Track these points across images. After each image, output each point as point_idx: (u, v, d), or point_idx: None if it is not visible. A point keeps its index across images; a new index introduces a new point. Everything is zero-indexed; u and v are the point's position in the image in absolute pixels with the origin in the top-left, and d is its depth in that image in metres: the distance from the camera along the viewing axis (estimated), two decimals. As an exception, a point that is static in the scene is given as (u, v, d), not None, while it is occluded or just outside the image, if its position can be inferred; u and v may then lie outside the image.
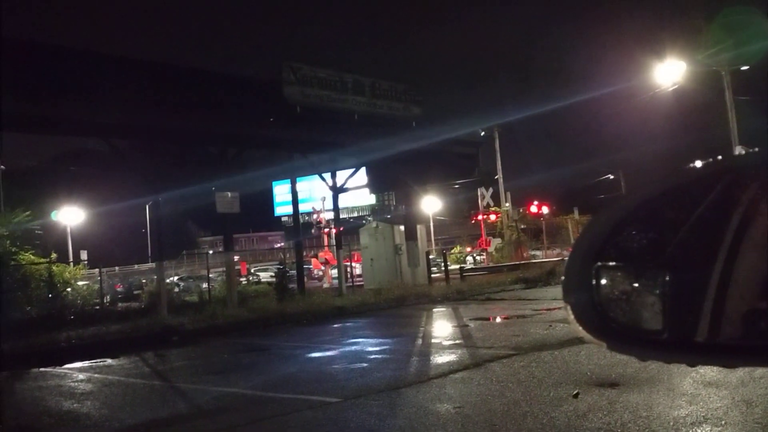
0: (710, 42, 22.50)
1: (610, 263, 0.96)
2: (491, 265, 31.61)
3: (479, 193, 36.05)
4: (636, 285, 0.94)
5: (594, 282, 0.95)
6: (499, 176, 35.32)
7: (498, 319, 15.02)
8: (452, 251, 41.79)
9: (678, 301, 0.90)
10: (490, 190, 35.37)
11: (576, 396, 6.43)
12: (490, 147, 34.24)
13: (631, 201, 0.99)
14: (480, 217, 36.17)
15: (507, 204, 35.99)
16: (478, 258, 40.38)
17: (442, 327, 14.43)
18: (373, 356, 10.49)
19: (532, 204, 40.49)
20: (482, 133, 29.54)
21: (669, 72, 23.64)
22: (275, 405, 7.29)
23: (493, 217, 36.06)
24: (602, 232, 0.98)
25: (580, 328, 0.95)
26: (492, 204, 36.43)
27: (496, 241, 35.26)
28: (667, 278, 0.90)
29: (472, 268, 31.55)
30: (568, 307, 0.97)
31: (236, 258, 26.03)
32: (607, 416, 5.65)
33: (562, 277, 0.99)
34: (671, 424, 5.33)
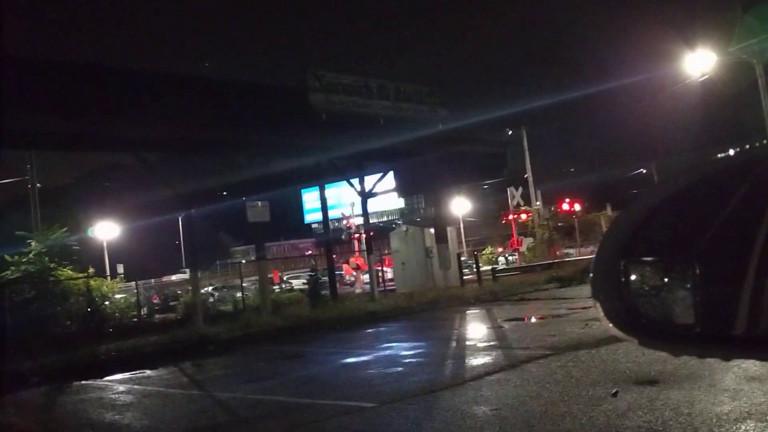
0: (743, 33, 22.03)
1: (639, 258, 0.94)
2: (524, 264, 31.35)
3: (509, 193, 35.82)
4: (666, 280, 0.92)
5: (623, 278, 0.93)
6: (529, 175, 35.06)
7: (533, 319, 14.87)
8: (483, 252, 41.54)
9: (711, 295, 0.88)
10: (520, 189, 35.12)
11: (615, 395, 6.32)
12: (519, 146, 33.99)
13: (658, 194, 0.97)
14: (510, 216, 35.92)
15: (537, 203, 35.69)
16: (510, 258, 40.09)
17: (476, 329, 14.34)
18: (407, 360, 10.47)
19: (564, 202, 40.04)
20: (510, 132, 29.37)
21: (699, 62, 23.19)
22: (312, 411, 7.32)
23: (523, 216, 35.78)
24: (629, 227, 0.96)
25: (611, 325, 0.93)
26: (522, 203, 36.16)
27: (527, 241, 34.97)
28: (698, 272, 0.88)
29: (504, 269, 31.33)
30: (598, 305, 0.95)
31: (268, 266, 26.26)
32: (647, 414, 5.55)
33: (590, 274, 0.97)
34: (714, 420, 5.21)
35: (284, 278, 37.86)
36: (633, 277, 0.93)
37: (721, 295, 0.87)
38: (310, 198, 42.35)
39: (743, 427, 4.98)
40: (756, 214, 0.88)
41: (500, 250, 44.77)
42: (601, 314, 0.94)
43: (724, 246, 0.90)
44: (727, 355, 0.90)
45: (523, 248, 34.67)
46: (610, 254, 0.95)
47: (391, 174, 26.02)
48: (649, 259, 0.95)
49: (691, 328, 0.89)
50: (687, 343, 0.90)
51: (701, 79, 23.81)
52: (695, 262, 0.89)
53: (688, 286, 0.89)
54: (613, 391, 6.45)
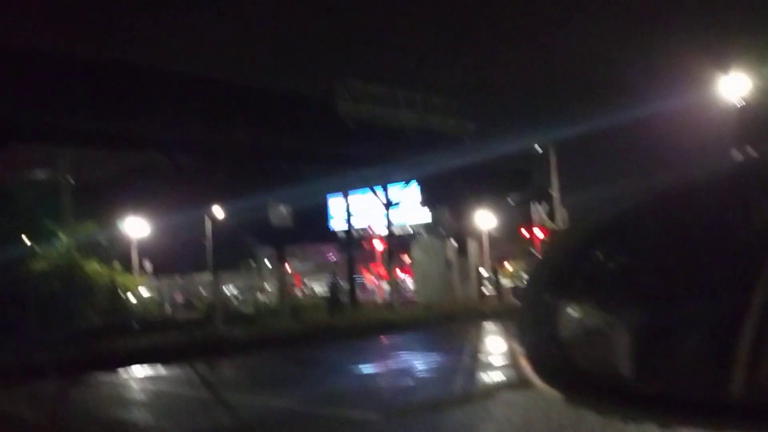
0: None
1: (574, 295, 0.80)
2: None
3: (533, 209, 35.38)
4: (604, 323, 0.77)
5: (553, 319, 0.79)
6: (555, 192, 34.60)
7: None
8: (505, 267, 41.07)
9: (658, 346, 0.72)
10: (545, 206, 34.69)
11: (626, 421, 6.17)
12: (547, 163, 33.61)
13: (603, 217, 0.82)
14: (537, 232, 35.45)
15: (564, 221, 35.17)
16: (533, 274, 39.55)
17: (491, 344, 14.17)
18: (419, 373, 10.39)
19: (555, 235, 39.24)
20: (540, 151, 29.07)
21: (735, 86, 22.70)
22: (317, 421, 7.28)
23: (540, 234, 35.27)
24: (567, 257, 0.81)
25: (536, 376, 0.80)
26: (546, 220, 35.67)
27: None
28: (643, 316, 0.74)
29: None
30: (520, 347, 0.82)
31: (290, 270, 26.36)
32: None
33: (517, 310, 0.84)
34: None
35: (306, 282, 37.94)
36: (565, 319, 0.79)
37: (668, 348, 0.72)
38: (335, 204, 42.42)
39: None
40: (727, 249, 0.73)
41: (523, 266, 44.26)
42: (522, 359, 0.80)
43: (680, 287, 0.74)
44: (667, 421, 0.73)
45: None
46: (540, 287, 0.82)
47: (415, 184, 25.97)
48: (585, 296, 0.80)
49: (628, 384, 0.74)
50: (620, 402, 0.75)
51: (738, 105, 23.30)
52: (641, 305, 0.75)
53: (630, 332, 0.74)
54: (625, 417, 6.29)
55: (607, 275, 0.81)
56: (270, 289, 25.86)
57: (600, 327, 0.79)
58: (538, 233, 35.46)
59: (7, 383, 8.93)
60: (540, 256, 0.86)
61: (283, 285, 20.65)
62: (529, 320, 0.83)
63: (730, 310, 0.71)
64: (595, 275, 0.82)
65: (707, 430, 0.74)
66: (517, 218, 47.35)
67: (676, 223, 0.80)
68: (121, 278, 20.57)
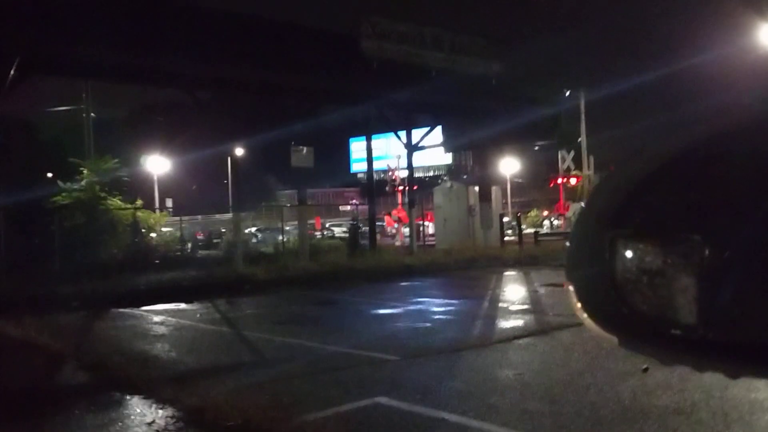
0: None
1: (633, 231, 0.71)
2: (568, 230, 30.73)
3: (560, 156, 34.91)
4: (666, 262, 0.68)
5: (608, 256, 0.70)
6: (583, 139, 33.98)
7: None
8: (528, 215, 40.91)
9: (723, 289, 0.65)
10: (572, 153, 34.16)
11: (645, 371, 6.09)
12: (575, 108, 32.90)
13: (670, 149, 0.72)
14: (559, 180, 35.10)
15: (590, 169, 34.68)
16: (555, 223, 39.39)
17: (510, 291, 14.16)
18: (437, 316, 10.41)
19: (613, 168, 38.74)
20: (567, 94, 28.35)
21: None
22: (335, 358, 7.35)
23: (573, 181, 34.90)
24: (625, 189, 0.72)
25: (585, 316, 0.71)
26: (573, 168, 35.23)
27: (575, 206, 34.19)
28: (710, 256, 0.65)
29: (547, 233, 30.82)
30: (571, 288, 0.73)
31: (311, 212, 26.45)
32: (676, 395, 5.33)
33: (566, 244, 0.75)
34: (746, 407, 4.97)
35: (326, 225, 38.14)
36: (622, 256, 0.70)
37: (738, 291, 0.64)
38: (357, 147, 42.28)
39: (776, 418, 4.74)
40: None
41: (546, 213, 44.01)
42: (575, 300, 0.72)
43: (751, 227, 0.66)
44: (736, 371, 0.68)
45: (569, 214, 33.94)
46: (594, 223, 0.72)
47: (439, 128, 25.60)
48: (646, 232, 0.70)
49: (691, 330, 0.67)
50: (683, 350, 0.68)
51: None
52: (707, 244, 0.66)
53: (696, 274, 0.66)
54: (644, 366, 6.21)
55: (672, 211, 0.70)
56: (290, 231, 26.01)
57: (661, 267, 0.69)
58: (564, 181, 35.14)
59: (33, 313, 9.12)
60: (596, 186, 0.74)
61: (304, 226, 20.70)
62: (581, 257, 0.72)
63: None
64: (659, 210, 0.70)
65: None
66: (542, 165, 46.96)
67: (756, 157, 0.68)
68: (142, 215, 20.76)
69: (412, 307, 11.65)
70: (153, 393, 5.64)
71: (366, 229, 22.88)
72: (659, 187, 0.71)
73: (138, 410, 5.39)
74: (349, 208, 42.15)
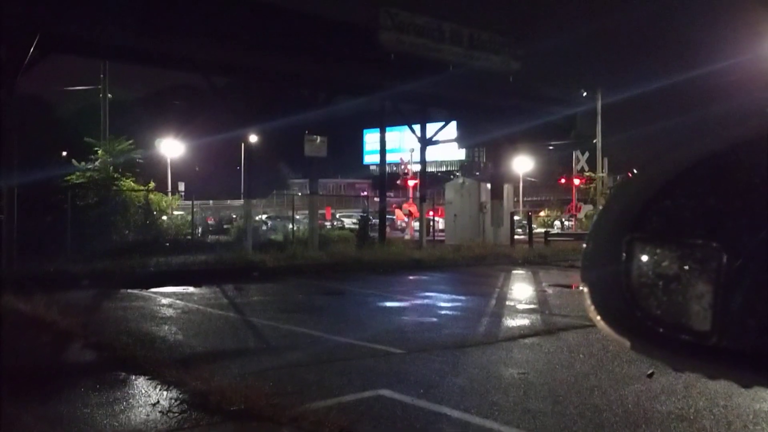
0: None
1: (651, 235, 0.71)
2: (579, 231, 30.60)
3: (574, 157, 34.73)
4: (683, 268, 0.68)
5: (625, 259, 0.70)
6: (598, 140, 33.76)
7: (579, 288, 14.52)
8: (539, 214, 40.78)
9: (739, 296, 0.65)
10: (587, 154, 33.96)
11: (650, 376, 6.07)
12: (592, 109, 32.68)
13: (691, 154, 0.72)
14: (576, 181, 34.97)
15: (603, 170, 34.47)
16: (566, 223, 39.23)
17: (518, 290, 14.13)
18: (443, 312, 10.41)
19: (633, 172, 38.48)
20: (584, 94, 28.17)
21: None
22: (340, 349, 7.37)
23: (576, 181, 34.73)
24: (644, 194, 0.72)
25: (598, 317, 0.71)
26: (587, 169, 35.05)
27: (587, 208, 34.03)
28: (727, 263, 0.65)
29: (558, 233, 30.70)
30: (586, 289, 0.73)
31: (322, 202, 26.48)
32: (680, 401, 5.31)
33: (583, 245, 0.74)
34: (750, 417, 4.94)
35: (336, 216, 38.20)
36: (638, 260, 0.70)
37: (754, 299, 0.64)
38: (370, 139, 42.24)
39: (780, 430, 4.70)
40: None
41: (558, 214, 43.88)
42: (588, 302, 0.72)
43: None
44: (749, 380, 0.67)
45: (581, 215, 33.81)
46: (612, 225, 0.72)
47: (453, 123, 25.53)
48: (663, 237, 0.71)
49: (705, 337, 0.67)
50: (695, 356, 0.68)
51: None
52: (725, 251, 0.66)
53: (712, 280, 0.66)
54: (650, 371, 6.19)
55: (691, 216, 0.69)
56: (300, 219, 26.06)
57: (677, 272, 0.68)
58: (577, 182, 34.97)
59: (43, 291, 9.20)
60: (616, 189, 0.74)
61: (314, 216, 20.74)
62: (597, 259, 0.72)
63: None
64: (677, 215, 0.70)
65: None
66: (556, 165, 46.74)
67: None
68: (155, 197, 20.87)
69: (418, 302, 11.66)
70: (158, 374, 5.68)
71: (376, 221, 22.89)
72: (678, 192, 0.70)
73: (143, 391, 5.44)
74: (364, 194, 42.15)
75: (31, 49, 13.80)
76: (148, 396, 5.27)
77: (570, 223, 37.06)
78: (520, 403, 5.32)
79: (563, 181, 35.32)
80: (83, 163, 19.79)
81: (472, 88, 20.38)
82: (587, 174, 34.82)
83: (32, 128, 27.07)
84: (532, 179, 50.59)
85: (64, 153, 24.12)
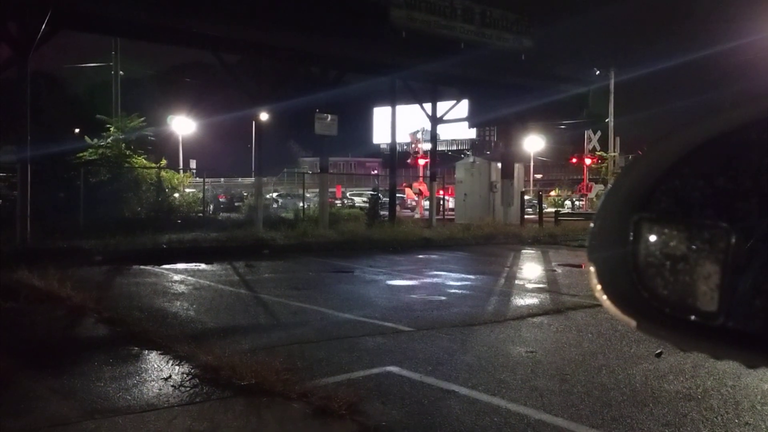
0: None
1: (659, 215, 0.70)
2: (590, 211, 30.49)
3: (586, 136, 34.50)
4: (690, 248, 0.68)
5: (632, 238, 0.70)
6: (610, 120, 33.49)
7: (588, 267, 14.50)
8: (550, 193, 40.62)
9: (749, 278, 0.65)
10: (599, 133, 33.72)
11: (659, 355, 6.09)
12: (604, 88, 32.35)
13: (701, 133, 0.72)
14: (587, 161, 34.78)
15: (615, 150, 34.23)
16: (577, 203, 39.08)
17: (527, 269, 14.13)
18: (452, 290, 10.44)
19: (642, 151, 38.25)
20: (597, 73, 27.87)
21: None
22: (349, 326, 7.42)
23: (588, 161, 34.51)
24: (652, 173, 0.72)
25: (605, 297, 0.71)
26: (599, 148, 34.82)
27: (598, 188, 33.87)
28: (736, 243, 0.65)
29: (568, 213, 30.59)
30: (593, 268, 0.72)
31: (332, 180, 26.47)
32: (688, 380, 5.33)
33: (590, 225, 0.74)
34: (758, 397, 4.96)
35: (347, 194, 38.23)
36: (646, 239, 0.70)
37: (762, 280, 0.64)
38: (381, 118, 42.02)
39: (788, 410, 4.72)
40: None
41: (569, 193, 43.69)
42: (595, 282, 0.71)
43: None
44: (755, 361, 0.67)
45: (592, 194, 33.65)
46: (620, 204, 0.72)
47: (464, 102, 25.35)
48: (671, 217, 0.70)
49: (711, 318, 0.67)
50: (702, 336, 0.67)
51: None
52: (734, 232, 0.66)
53: (720, 260, 0.66)
54: (658, 351, 6.21)
55: (700, 196, 0.69)
56: (311, 198, 26.11)
57: (685, 252, 0.69)
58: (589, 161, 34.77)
59: (56, 266, 9.30)
60: (624, 168, 0.74)
61: (324, 194, 20.77)
62: (604, 238, 0.72)
63: None
64: (686, 195, 0.70)
65: None
66: (567, 144, 46.44)
67: None
68: (166, 174, 20.96)
69: (427, 280, 11.70)
70: (170, 349, 5.76)
71: (386, 199, 22.89)
72: (687, 171, 0.70)
73: (155, 365, 5.52)
74: (375, 172, 42.06)
75: (43, 26, 13.79)
76: (160, 370, 5.35)
77: (581, 202, 36.90)
78: (528, 381, 5.36)
79: (574, 160, 35.17)
80: (95, 140, 19.88)
81: (484, 67, 20.19)
82: (599, 153, 34.61)
83: (45, 105, 27.16)
84: (544, 158, 50.33)
85: (77, 130, 24.22)
